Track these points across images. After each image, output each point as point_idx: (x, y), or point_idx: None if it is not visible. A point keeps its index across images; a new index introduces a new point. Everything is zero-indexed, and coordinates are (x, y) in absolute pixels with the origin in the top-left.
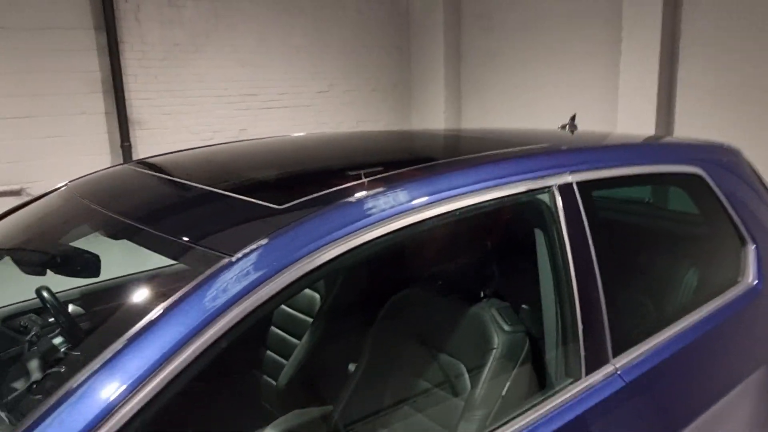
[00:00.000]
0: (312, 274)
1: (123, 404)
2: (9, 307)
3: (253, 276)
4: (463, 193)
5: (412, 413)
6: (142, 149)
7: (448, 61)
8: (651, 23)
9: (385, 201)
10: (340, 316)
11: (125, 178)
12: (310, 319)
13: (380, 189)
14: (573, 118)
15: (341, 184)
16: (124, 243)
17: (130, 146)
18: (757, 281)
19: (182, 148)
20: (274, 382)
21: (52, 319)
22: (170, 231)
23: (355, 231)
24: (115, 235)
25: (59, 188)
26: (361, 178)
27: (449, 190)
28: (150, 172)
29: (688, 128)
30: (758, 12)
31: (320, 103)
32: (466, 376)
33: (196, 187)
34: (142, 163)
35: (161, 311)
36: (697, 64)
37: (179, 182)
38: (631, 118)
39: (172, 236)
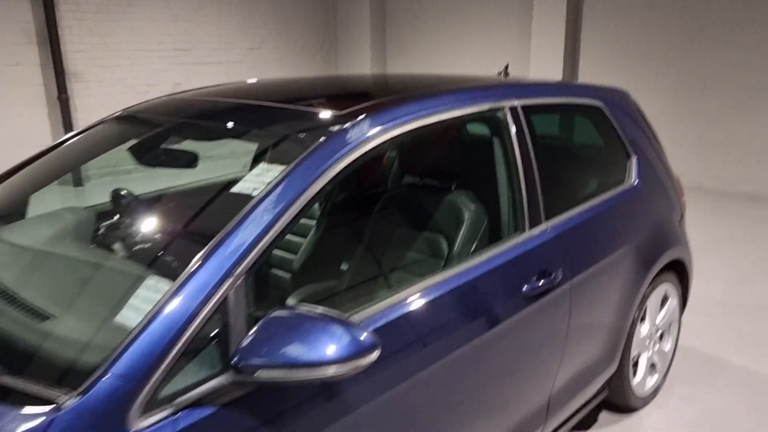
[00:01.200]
0: (375, 149)
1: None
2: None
3: (342, 148)
4: (447, 109)
5: (405, 276)
6: (80, 101)
7: (373, 22)
8: None
9: (403, 110)
10: (342, 212)
11: (190, 101)
12: (313, 221)
13: (398, 103)
14: (506, 67)
15: (367, 102)
16: (229, 143)
17: (67, 98)
18: (637, 181)
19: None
20: (286, 275)
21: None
22: (269, 125)
23: (391, 126)
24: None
25: (117, 114)
26: (376, 98)
27: (441, 105)
28: (206, 98)
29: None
30: None
31: (251, 59)
32: (445, 244)
33: (261, 103)
34: (180, 95)
35: (293, 166)
36: (597, 29)
37: (244, 102)
38: (542, 75)
39: (270, 129)
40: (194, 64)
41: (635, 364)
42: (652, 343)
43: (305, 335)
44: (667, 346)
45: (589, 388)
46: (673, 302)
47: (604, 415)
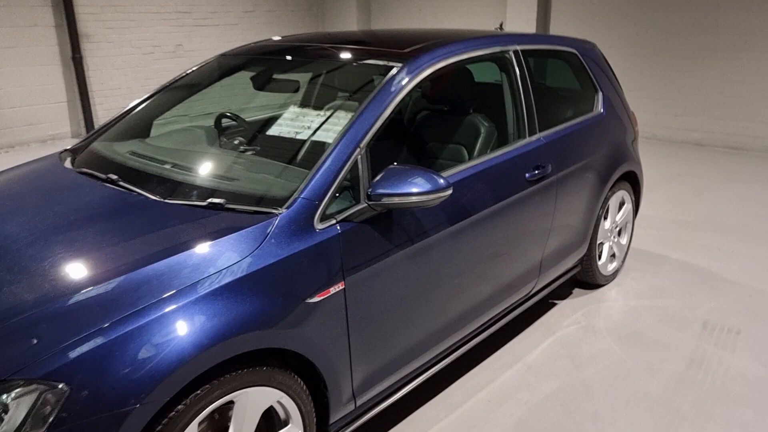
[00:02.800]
0: (441, 72)
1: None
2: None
3: (412, 73)
4: (474, 49)
5: (445, 163)
6: (91, 61)
7: None
8: None
9: (445, 50)
10: (397, 125)
11: (283, 45)
12: None
13: (441, 45)
14: (501, 25)
15: (417, 44)
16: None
17: (81, 58)
18: (602, 110)
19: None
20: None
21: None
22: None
23: (439, 59)
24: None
25: (221, 54)
26: (420, 43)
27: (469, 47)
28: (291, 42)
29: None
30: None
31: (246, 22)
32: (465, 152)
33: (336, 45)
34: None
35: (384, 82)
36: None
37: (330, 45)
38: None
39: (359, 58)
40: (194, 26)
41: (600, 252)
42: (612, 236)
43: (411, 178)
44: (624, 240)
45: (568, 260)
46: (628, 206)
47: (577, 290)
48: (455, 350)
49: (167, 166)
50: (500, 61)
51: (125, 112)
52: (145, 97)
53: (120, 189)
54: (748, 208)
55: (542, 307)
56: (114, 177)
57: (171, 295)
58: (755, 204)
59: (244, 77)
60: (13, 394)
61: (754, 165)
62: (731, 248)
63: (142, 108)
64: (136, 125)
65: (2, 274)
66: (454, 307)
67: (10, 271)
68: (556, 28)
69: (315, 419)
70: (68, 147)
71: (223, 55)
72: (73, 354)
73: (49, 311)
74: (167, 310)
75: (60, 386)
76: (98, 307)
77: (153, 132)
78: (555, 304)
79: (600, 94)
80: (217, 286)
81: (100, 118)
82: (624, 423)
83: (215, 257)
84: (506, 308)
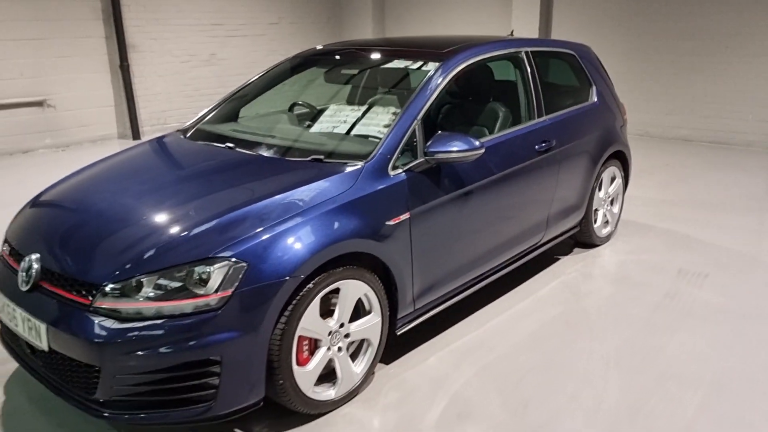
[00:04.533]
0: (472, 67)
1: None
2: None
3: (442, 73)
4: (495, 50)
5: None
6: (137, 69)
7: (374, 0)
8: None
9: (473, 51)
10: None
11: (348, 48)
12: None
13: (470, 47)
14: (512, 32)
15: (452, 46)
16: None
17: (128, 66)
18: (596, 100)
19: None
20: None
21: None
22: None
23: (469, 56)
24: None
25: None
26: (452, 46)
27: (492, 49)
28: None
29: None
30: None
31: (272, 32)
32: (487, 131)
33: (397, 48)
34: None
35: (431, 74)
36: (566, 5)
37: (384, 47)
38: None
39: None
40: (226, 36)
41: (596, 217)
42: (606, 204)
43: (454, 140)
44: (615, 209)
45: (568, 220)
46: (618, 180)
47: (577, 249)
48: (484, 279)
49: (270, 137)
50: (515, 59)
51: (217, 104)
52: (230, 93)
53: (242, 151)
54: (725, 190)
55: (549, 260)
56: (231, 145)
57: (302, 211)
58: (732, 187)
59: (317, 73)
60: (215, 266)
61: (734, 157)
62: (707, 220)
63: (229, 102)
64: (227, 113)
65: (186, 198)
66: (484, 243)
67: (193, 197)
68: (556, 36)
69: (388, 313)
70: (180, 128)
71: (295, 56)
72: (249, 243)
73: (231, 218)
74: (300, 220)
75: (242, 264)
76: (260, 216)
77: (240, 118)
78: (559, 259)
79: (594, 87)
80: (330, 207)
81: (144, 121)
82: (611, 334)
83: (326, 190)
84: (521, 251)
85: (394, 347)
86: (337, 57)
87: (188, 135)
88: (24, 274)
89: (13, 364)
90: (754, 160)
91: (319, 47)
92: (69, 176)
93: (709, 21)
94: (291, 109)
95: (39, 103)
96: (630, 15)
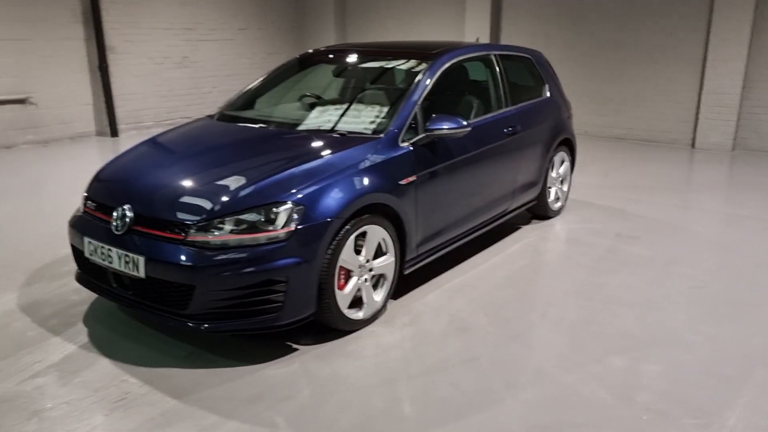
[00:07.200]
0: (454, 65)
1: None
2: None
3: (440, 64)
4: (472, 52)
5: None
6: (115, 70)
7: (336, 9)
8: None
9: (456, 52)
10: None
11: (349, 48)
12: None
13: (454, 49)
14: (477, 39)
15: (438, 48)
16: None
17: (106, 67)
18: (549, 95)
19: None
20: None
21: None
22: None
23: (454, 57)
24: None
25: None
26: (438, 48)
27: (470, 51)
28: (357, 47)
29: None
30: None
31: (240, 37)
32: (474, 107)
33: (392, 48)
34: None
35: (426, 67)
36: (512, 19)
37: (380, 48)
38: None
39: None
40: (197, 40)
41: (549, 193)
42: (557, 183)
43: (448, 119)
44: (565, 187)
45: (528, 193)
46: (566, 164)
47: (534, 221)
48: (468, 235)
49: (292, 120)
50: (486, 60)
51: (240, 95)
52: (249, 86)
53: (275, 129)
54: (654, 177)
55: (513, 229)
56: (263, 125)
57: (339, 170)
58: (659, 175)
59: (326, 69)
60: (281, 209)
61: (661, 152)
62: (639, 198)
63: (246, 92)
64: (245, 103)
65: (247, 162)
66: (468, 204)
67: (253, 160)
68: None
69: (399, 255)
70: (211, 114)
71: (302, 55)
72: (304, 192)
73: (287, 174)
74: (339, 177)
75: (300, 206)
76: (309, 174)
77: (257, 107)
78: (520, 228)
79: (546, 85)
80: (360, 168)
81: (120, 119)
82: (567, 276)
83: (355, 156)
84: (494, 215)
85: (400, 287)
86: (342, 56)
87: (218, 118)
88: (119, 221)
89: (83, 307)
90: (677, 155)
91: (322, 48)
92: (128, 150)
93: (638, 34)
94: (300, 99)
95: (22, 101)
96: (568, 26)
